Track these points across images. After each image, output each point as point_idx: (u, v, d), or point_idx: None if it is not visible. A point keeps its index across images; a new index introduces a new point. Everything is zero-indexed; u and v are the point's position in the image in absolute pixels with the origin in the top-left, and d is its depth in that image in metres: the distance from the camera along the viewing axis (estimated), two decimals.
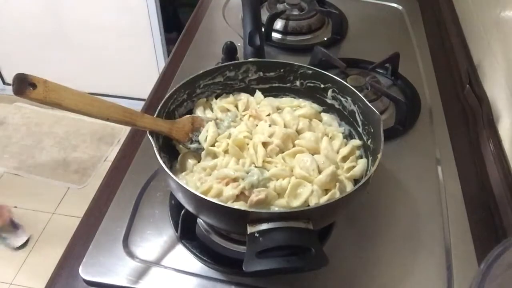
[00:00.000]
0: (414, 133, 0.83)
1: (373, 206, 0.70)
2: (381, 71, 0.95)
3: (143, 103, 0.89)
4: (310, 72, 0.71)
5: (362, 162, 0.63)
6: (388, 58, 0.93)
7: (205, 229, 0.66)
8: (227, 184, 0.57)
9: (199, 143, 0.65)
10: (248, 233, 0.49)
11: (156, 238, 0.65)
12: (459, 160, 0.78)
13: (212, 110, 0.71)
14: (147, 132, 0.59)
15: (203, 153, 0.64)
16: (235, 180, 0.57)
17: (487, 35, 0.88)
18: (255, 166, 0.60)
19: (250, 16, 0.83)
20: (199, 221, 0.66)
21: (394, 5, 1.19)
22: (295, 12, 1.09)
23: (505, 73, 0.78)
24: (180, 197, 0.56)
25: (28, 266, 1.66)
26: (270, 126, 0.65)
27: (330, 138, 0.67)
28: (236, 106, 0.71)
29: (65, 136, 2.14)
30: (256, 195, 0.55)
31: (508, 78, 0.77)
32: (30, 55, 2.13)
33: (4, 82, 2.29)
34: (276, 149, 0.62)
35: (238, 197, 0.56)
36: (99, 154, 2.06)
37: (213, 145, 0.64)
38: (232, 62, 0.73)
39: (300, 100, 0.74)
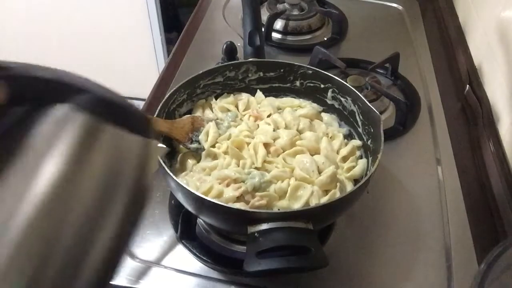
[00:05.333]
0: (414, 133, 0.83)
1: (373, 206, 0.70)
2: (381, 71, 0.95)
3: (143, 103, 0.89)
4: (310, 72, 0.71)
5: (362, 162, 0.63)
6: (388, 58, 0.93)
7: (205, 229, 0.66)
8: (227, 185, 0.57)
9: (199, 143, 0.65)
10: (248, 233, 0.49)
11: (156, 238, 0.65)
12: (459, 160, 0.78)
13: (212, 110, 0.71)
14: None
15: (203, 154, 0.64)
16: (235, 181, 0.57)
17: (487, 35, 0.88)
18: (255, 167, 0.60)
19: (250, 16, 0.83)
20: (199, 221, 0.66)
21: (394, 5, 1.19)
22: (295, 12, 1.09)
23: (505, 73, 0.78)
24: (180, 197, 0.56)
25: None
26: (274, 130, 0.65)
27: (331, 138, 0.67)
28: (236, 106, 0.71)
29: None
30: (258, 200, 0.55)
31: (508, 78, 0.77)
32: (31, 56, 2.13)
33: None
34: (280, 151, 0.63)
35: (238, 198, 0.57)
36: None
37: (213, 146, 0.64)
38: (232, 62, 0.73)
39: (301, 100, 0.74)
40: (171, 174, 0.53)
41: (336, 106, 0.71)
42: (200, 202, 0.53)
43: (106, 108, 0.30)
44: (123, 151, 0.31)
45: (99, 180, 0.30)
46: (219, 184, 0.58)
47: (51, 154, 0.28)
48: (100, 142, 0.30)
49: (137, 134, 0.32)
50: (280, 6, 1.09)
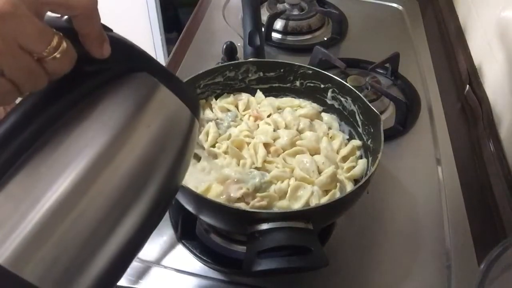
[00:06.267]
0: (414, 133, 0.83)
1: (373, 206, 0.70)
2: (381, 71, 0.95)
3: None
4: (310, 72, 0.71)
5: (362, 162, 0.63)
6: (388, 58, 0.93)
7: (205, 229, 0.66)
8: (228, 185, 0.57)
9: (199, 143, 0.65)
10: (248, 233, 0.49)
11: (156, 238, 0.65)
12: (459, 160, 0.78)
13: (212, 110, 0.71)
14: None
15: (203, 154, 0.64)
16: (236, 182, 0.57)
17: (487, 35, 0.88)
18: (256, 167, 0.60)
19: (250, 16, 0.83)
20: (199, 221, 0.66)
21: (394, 5, 1.19)
22: (295, 12, 1.09)
23: (505, 73, 0.78)
24: (180, 196, 0.56)
25: None
26: (274, 130, 0.65)
27: (331, 138, 0.67)
28: (236, 106, 0.71)
29: None
30: (258, 201, 0.55)
31: (508, 78, 0.77)
32: None
33: None
34: (280, 151, 0.63)
35: (239, 198, 0.57)
36: None
37: (213, 146, 0.64)
38: (232, 62, 0.73)
39: (301, 100, 0.74)
40: None
41: (336, 106, 0.71)
42: (200, 202, 0.53)
43: (169, 77, 0.37)
44: (174, 116, 0.37)
45: (150, 143, 0.35)
46: (219, 184, 0.58)
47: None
48: (156, 99, 0.36)
49: (188, 106, 0.38)
50: (280, 6, 1.09)
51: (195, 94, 0.41)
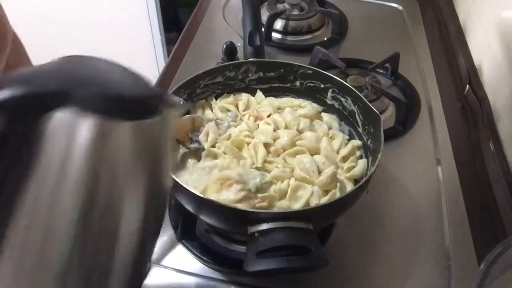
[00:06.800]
0: (414, 133, 0.83)
1: (373, 206, 0.70)
2: (381, 71, 0.95)
3: None
4: (310, 72, 0.71)
5: (362, 162, 0.63)
6: (388, 58, 0.93)
7: (205, 229, 0.66)
8: (229, 186, 0.57)
9: (199, 143, 0.65)
10: (248, 233, 0.49)
11: None
12: (459, 160, 0.78)
13: (212, 110, 0.71)
14: None
15: (203, 154, 0.64)
16: (236, 182, 0.57)
17: (487, 35, 0.88)
18: (256, 168, 0.60)
19: (250, 16, 0.83)
20: (199, 221, 0.66)
21: (394, 5, 1.19)
22: (295, 12, 1.09)
23: (505, 73, 0.78)
24: (179, 196, 0.56)
25: None
26: (274, 130, 0.65)
27: (331, 138, 0.67)
28: (236, 106, 0.71)
29: None
30: (259, 202, 0.55)
31: (508, 78, 0.77)
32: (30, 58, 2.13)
33: None
34: (280, 151, 0.63)
35: (239, 199, 0.56)
36: None
37: (213, 146, 0.64)
38: (232, 62, 0.73)
39: (301, 100, 0.74)
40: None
41: (336, 106, 0.71)
42: (199, 202, 0.53)
43: (112, 106, 0.30)
44: (141, 137, 0.32)
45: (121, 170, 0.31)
46: (219, 184, 0.58)
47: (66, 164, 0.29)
48: (112, 140, 0.30)
49: (151, 117, 0.32)
50: (280, 6, 1.09)
51: (147, 94, 0.34)
